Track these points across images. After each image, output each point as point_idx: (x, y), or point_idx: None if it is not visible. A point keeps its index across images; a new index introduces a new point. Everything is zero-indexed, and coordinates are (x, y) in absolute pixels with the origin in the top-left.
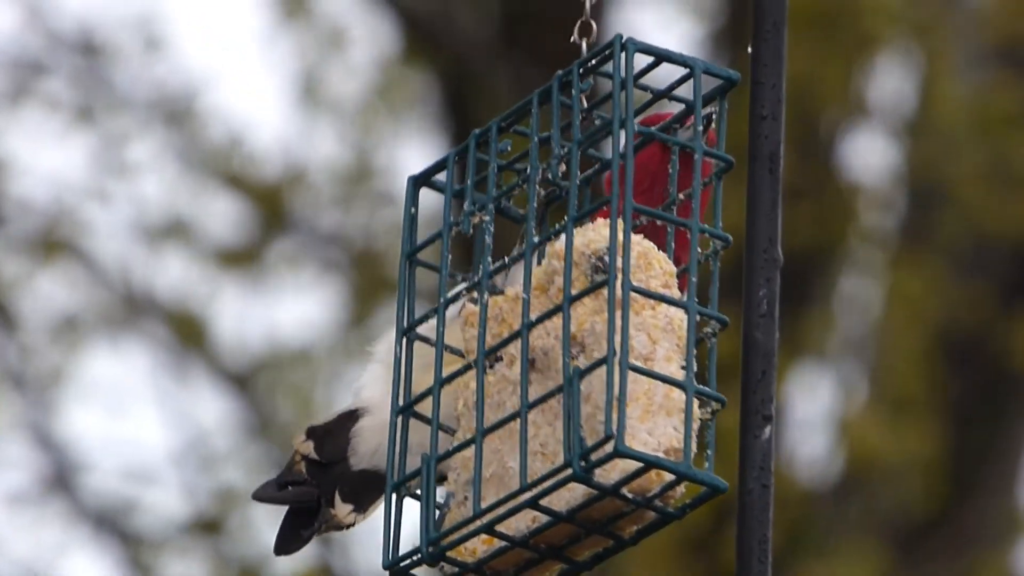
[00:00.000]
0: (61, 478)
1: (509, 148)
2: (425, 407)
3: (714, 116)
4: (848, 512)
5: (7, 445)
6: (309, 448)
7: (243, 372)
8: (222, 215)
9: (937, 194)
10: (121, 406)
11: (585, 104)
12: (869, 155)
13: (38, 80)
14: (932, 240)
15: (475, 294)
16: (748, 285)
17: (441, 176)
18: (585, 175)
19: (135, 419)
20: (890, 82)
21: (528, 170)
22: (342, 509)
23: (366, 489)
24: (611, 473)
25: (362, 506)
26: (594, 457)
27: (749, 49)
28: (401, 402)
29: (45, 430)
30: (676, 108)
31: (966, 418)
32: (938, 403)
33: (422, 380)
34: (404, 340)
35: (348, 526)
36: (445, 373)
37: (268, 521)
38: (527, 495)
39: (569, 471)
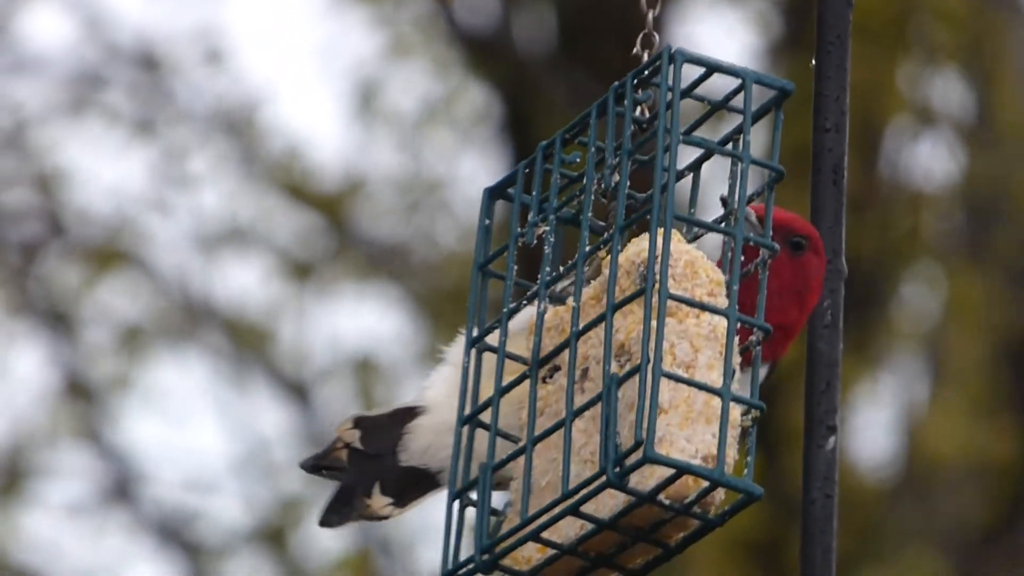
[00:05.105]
0: (122, 488)
1: (578, 159)
2: (489, 416)
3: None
4: (911, 518)
5: (69, 454)
6: (354, 437)
7: (303, 381)
8: (282, 225)
9: (996, 204)
10: (182, 415)
11: (647, 115)
12: (930, 164)
13: (98, 92)
14: (990, 250)
15: (537, 303)
16: None
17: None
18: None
19: (195, 428)
20: (952, 91)
21: (584, 180)
22: (379, 501)
23: (410, 485)
24: (649, 480)
25: (402, 501)
26: (627, 463)
27: (812, 62)
28: (467, 411)
29: (107, 439)
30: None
31: None
32: (1001, 410)
33: (489, 389)
34: (473, 350)
35: (382, 518)
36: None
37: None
38: (568, 502)
39: (604, 478)
